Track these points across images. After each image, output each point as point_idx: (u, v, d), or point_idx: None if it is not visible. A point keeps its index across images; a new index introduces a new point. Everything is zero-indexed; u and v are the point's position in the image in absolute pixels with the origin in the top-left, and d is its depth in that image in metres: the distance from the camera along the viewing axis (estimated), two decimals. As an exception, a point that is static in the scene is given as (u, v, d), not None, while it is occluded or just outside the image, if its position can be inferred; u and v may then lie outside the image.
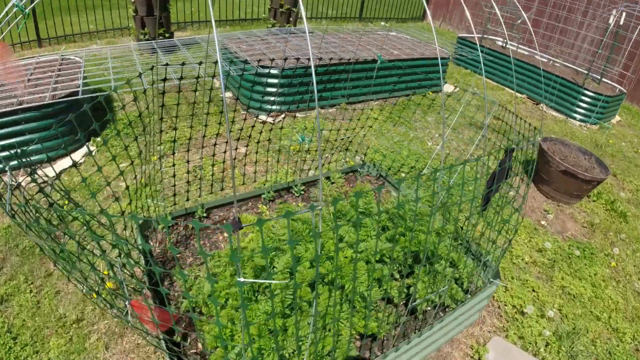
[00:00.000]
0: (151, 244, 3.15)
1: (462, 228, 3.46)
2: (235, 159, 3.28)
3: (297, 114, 5.76)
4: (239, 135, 4.36)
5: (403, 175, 4.53)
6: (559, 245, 4.15)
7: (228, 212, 3.56)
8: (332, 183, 4.10)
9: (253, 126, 4.31)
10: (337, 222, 2.93)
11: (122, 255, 2.29)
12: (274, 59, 3.53)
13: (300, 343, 2.29)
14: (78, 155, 4.25)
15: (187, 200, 3.42)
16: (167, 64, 2.75)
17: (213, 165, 3.44)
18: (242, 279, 1.24)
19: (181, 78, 2.60)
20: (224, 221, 3.46)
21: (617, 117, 7.10)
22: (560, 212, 4.72)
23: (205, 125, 2.54)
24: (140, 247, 2.80)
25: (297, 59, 5.04)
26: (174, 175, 3.19)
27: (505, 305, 3.49)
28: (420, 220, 2.97)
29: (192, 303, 2.46)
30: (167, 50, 5.62)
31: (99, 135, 4.66)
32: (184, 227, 3.32)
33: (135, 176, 2.56)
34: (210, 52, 5.21)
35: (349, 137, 4.00)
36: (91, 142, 4.53)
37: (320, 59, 5.15)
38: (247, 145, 3.08)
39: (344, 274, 2.47)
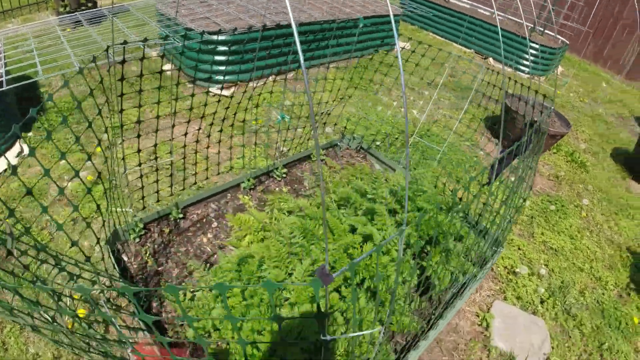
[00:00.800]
0: (125, 259, 2.65)
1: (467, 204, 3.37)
2: (197, 141, 2.79)
3: (251, 84, 5.23)
4: (189, 115, 3.81)
5: (378, 144, 4.31)
6: (532, 200, 4.26)
7: (206, 208, 3.11)
8: (313, 161, 3.77)
9: (206, 104, 3.78)
10: (340, 210, 2.65)
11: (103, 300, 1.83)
12: (220, 29, 3.01)
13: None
14: (10, 157, 3.46)
15: (158, 201, 2.91)
16: (125, 42, 2.17)
17: (171, 152, 2.93)
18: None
19: (144, 57, 2.06)
20: (204, 220, 3.03)
21: (561, 68, 7.43)
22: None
23: (158, 103, 2.04)
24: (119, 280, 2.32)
25: (265, 26, 4.46)
26: (141, 176, 2.66)
27: (498, 267, 3.52)
28: (424, 197, 2.78)
29: (200, 330, 2.09)
30: (94, 22, 4.71)
31: (31, 130, 3.83)
32: (158, 234, 2.84)
33: (100, 174, 2.04)
34: (144, 20, 4.44)
35: (327, 111, 3.65)
36: (22, 139, 3.71)
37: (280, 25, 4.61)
38: (212, 124, 2.61)
39: (368, 272, 2.23)
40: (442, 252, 2.67)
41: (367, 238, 2.43)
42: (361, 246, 2.34)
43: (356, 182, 2.72)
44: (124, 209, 2.60)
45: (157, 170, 2.66)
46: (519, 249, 3.72)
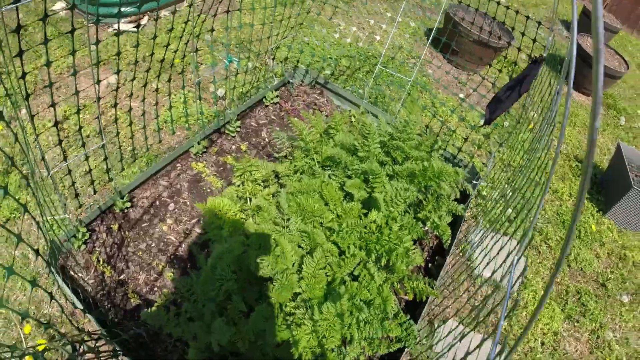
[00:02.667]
0: (77, 276, 2.09)
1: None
2: (117, 104, 2.11)
3: (163, 12, 4.26)
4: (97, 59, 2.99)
5: (328, 73, 3.83)
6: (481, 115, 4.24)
7: (156, 188, 2.55)
8: (266, 106, 3.24)
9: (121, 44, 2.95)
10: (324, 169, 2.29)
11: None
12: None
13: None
14: None
15: (95, 192, 2.28)
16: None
17: (101, 133, 2.22)
18: None
19: None
20: (157, 202, 2.48)
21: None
22: (472, 82, 4.77)
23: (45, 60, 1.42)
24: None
25: None
26: (69, 172, 2.00)
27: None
28: (410, 144, 2.51)
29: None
30: None
31: None
32: (107, 233, 2.27)
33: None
34: None
35: (277, 44, 3.02)
36: None
37: None
38: (133, 73, 1.93)
39: (382, 246, 1.98)
40: (435, 200, 2.51)
41: (367, 204, 2.15)
42: (364, 216, 2.06)
43: (342, 137, 2.34)
44: (57, 217, 1.98)
45: (87, 158, 2.00)
46: (481, 169, 3.73)
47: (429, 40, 2.95)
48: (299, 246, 1.92)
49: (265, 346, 1.72)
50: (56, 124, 1.75)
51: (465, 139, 3.27)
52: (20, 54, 1.43)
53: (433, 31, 3.07)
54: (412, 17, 5.53)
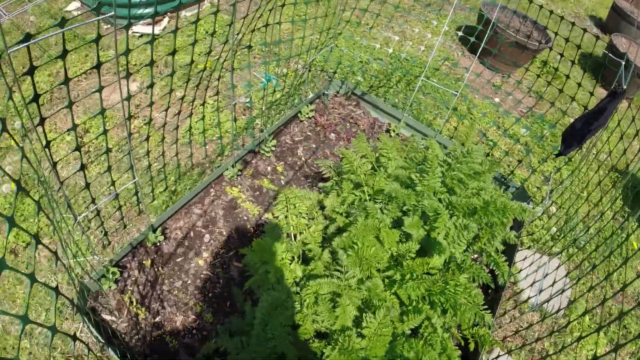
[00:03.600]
0: (107, 317, 1.93)
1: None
2: (130, 117, 1.85)
3: (185, 13, 4.01)
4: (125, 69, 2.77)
5: (364, 83, 3.59)
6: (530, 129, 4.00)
7: (189, 217, 2.36)
8: (301, 121, 3.03)
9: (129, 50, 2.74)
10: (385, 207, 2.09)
11: None
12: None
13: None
14: None
15: (125, 227, 2.09)
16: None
17: (132, 167, 1.98)
18: None
19: None
20: (191, 234, 2.30)
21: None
22: (507, 85, 4.52)
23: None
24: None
25: None
26: (98, 213, 1.81)
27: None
28: (467, 167, 2.29)
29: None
30: None
31: None
32: (139, 270, 2.10)
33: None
34: None
35: (316, 54, 2.77)
36: None
37: None
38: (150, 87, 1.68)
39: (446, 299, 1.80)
40: (490, 230, 2.32)
41: (423, 241, 1.96)
42: (426, 264, 1.87)
43: (396, 168, 2.14)
44: (86, 258, 1.80)
45: (117, 196, 1.81)
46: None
47: (455, 36, 2.71)
48: (361, 300, 1.74)
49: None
50: (82, 167, 1.53)
51: (507, 153, 3.07)
52: (32, 70, 1.20)
53: (462, 29, 2.83)
54: (451, 23, 5.23)
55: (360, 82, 3.53)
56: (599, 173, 3.80)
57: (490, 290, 2.57)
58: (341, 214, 2.11)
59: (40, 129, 1.23)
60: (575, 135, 2.00)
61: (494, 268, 2.23)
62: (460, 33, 3.34)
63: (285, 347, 1.61)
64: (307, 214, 2.19)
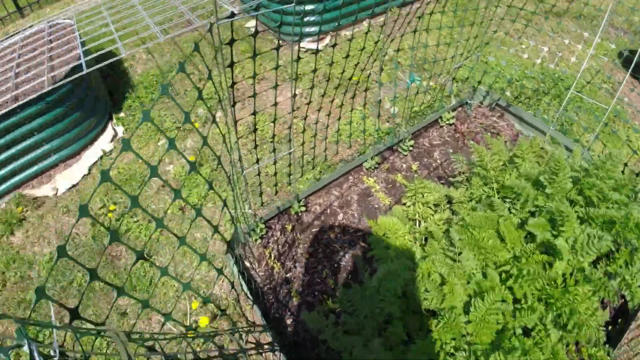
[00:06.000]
0: (248, 265, 2.35)
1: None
2: (293, 113, 2.23)
3: (344, 32, 4.51)
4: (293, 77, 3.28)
5: (509, 95, 3.49)
6: None
7: (328, 196, 2.69)
8: (441, 127, 3.13)
9: (298, 58, 3.20)
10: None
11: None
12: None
13: None
14: (104, 142, 3.27)
15: (276, 193, 2.53)
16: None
17: (290, 140, 2.46)
18: None
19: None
20: (327, 210, 2.61)
21: None
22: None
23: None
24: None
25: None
26: (259, 173, 2.26)
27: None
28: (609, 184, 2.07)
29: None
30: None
31: (122, 109, 3.60)
32: (281, 232, 2.49)
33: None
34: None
35: (461, 63, 2.89)
36: (114, 120, 3.49)
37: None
38: (312, 88, 2.05)
39: (561, 300, 1.69)
40: (629, 253, 2.04)
41: (548, 246, 1.87)
42: (549, 265, 1.78)
43: (528, 169, 2.09)
44: (243, 211, 2.26)
45: (275, 162, 2.23)
46: None
47: (616, 60, 2.42)
48: (468, 282, 1.77)
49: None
50: (254, 129, 1.97)
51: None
52: (231, 64, 1.62)
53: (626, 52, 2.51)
54: (612, 39, 4.67)
55: (506, 93, 3.45)
56: None
57: (619, 319, 2.22)
58: (465, 207, 2.15)
59: (232, 110, 1.68)
60: None
61: (625, 293, 1.96)
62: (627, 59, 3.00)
63: (393, 309, 1.74)
64: (434, 204, 2.29)
